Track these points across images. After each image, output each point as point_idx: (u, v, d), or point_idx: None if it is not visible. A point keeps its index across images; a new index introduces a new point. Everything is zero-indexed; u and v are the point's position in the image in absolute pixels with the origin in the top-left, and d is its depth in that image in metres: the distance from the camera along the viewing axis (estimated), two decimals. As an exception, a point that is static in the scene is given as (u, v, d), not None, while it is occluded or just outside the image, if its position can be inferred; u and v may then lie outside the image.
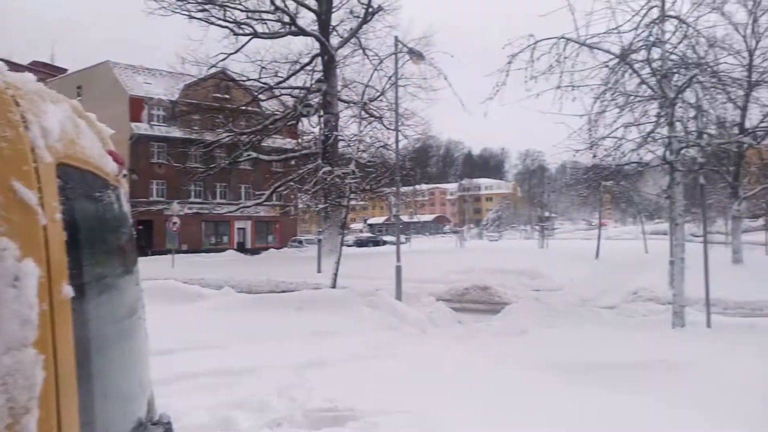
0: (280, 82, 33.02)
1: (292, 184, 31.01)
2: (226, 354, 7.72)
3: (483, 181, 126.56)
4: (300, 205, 34.96)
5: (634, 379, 6.17)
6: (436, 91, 30.60)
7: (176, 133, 40.96)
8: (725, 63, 16.11)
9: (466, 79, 15.70)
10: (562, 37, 10.05)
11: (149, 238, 41.36)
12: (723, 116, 10.83)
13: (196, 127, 35.95)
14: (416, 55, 14.60)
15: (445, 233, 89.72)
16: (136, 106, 42.89)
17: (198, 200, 45.70)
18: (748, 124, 21.43)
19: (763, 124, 21.10)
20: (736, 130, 20.67)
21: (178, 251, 34.39)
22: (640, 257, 28.58)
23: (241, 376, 6.60)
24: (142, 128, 42.61)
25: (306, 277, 19.94)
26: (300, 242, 48.04)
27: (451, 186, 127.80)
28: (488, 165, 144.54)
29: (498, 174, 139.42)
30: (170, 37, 36.04)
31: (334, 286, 13.43)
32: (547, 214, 52.69)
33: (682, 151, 9.69)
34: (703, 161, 10.30)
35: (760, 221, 40.26)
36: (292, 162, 34.35)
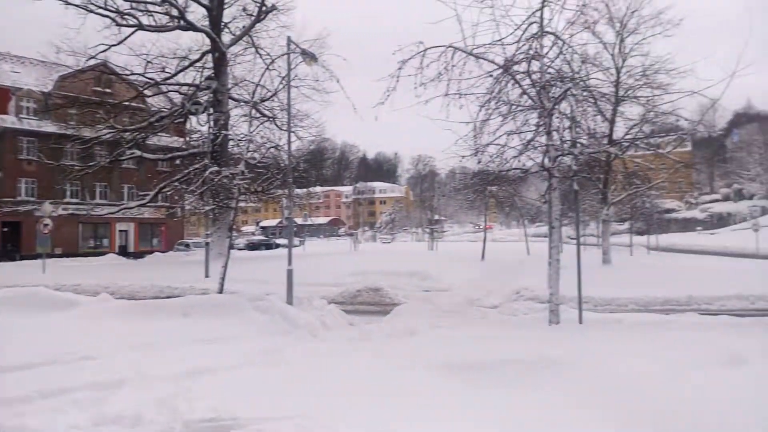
0: (168, 78, 31.47)
1: (177, 184, 29.61)
2: (99, 366, 7.16)
3: (377, 185, 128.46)
4: (187, 207, 33.50)
5: (519, 377, 6.44)
6: (329, 93, 30.67)
7: (49, 127, 37.72)
8: (596, 78, 17.56)
9: (358, 83, 15.77)
10: (450, 46, 10.39)
11: (17, 242, 37.84)
12: (594, 128, 11.68)
13: (72, 122, 33.29)
14: (309, 57, 14.45)
15: (339, 236, 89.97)
16: (2, 96, 38.99)
17: (74, 200, 42.36)
18: (616, 136, 23.46)
19: (628, 136, 23.18)
20: (605, 141, 22.58)
21: (51, 255, 31.72)
22: (522, 258, 30.24)
23: (115, 388, 6.15)
24: (8, 121, 38.77)
25: (193, 282, 19.10)
26: (187, 245, 46.13)
27: (346, 189, 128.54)
28: (382, 169, 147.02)
29: (391, 178, 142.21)
30: (44, 24, 33.10)
31: (221, 291, 12.94)
32: (437, 217, 54.48)
33: (559, 159, 10.37)
34: (577, 169, 11.06)
35: (626, 225, 44.23)
36: (179, 161, 32.81)
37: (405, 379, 6.53)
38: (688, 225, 68.07)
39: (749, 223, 39.95)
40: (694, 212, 72.76)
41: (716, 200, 75.38)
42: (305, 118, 31.97)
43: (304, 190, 38.37)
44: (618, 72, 22.87)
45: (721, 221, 67.35)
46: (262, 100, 29.34)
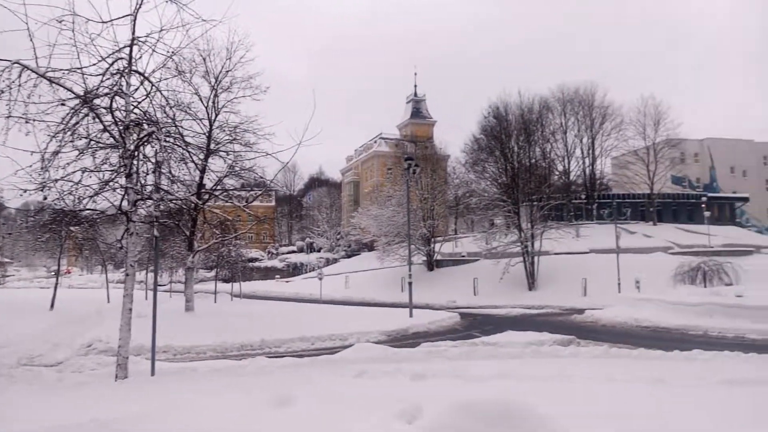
0: None
1: None
2: None
3: None
4: None
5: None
6: None
7: None
8: (189, 129, 17.80)
9: None
10: (17, 62, 8.96)
11: None
12: (181, 175, 11.69)
13: None
14: None
15: None
16: None
17: None
18: (208, 186, 24.13)
19: (218, 187, 24.12)
20: (195, 189, 22.99)
21: None
22: (101, 307, 27.79)
23: None
24: None
25: None
26: None
27: None
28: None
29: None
30: None
31: None
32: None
33: (139, 203, 9.91)
34: (158, 214, 10.79)
35: (213, 272, 45.63)
36: None
37: None
38: (269, 273, 74.60)
39: (316, 273, 46.29)
40: (274, 261, 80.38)
41: (293, 251, 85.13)
42: None
43: None
44: (211, 124, 23.79)
45: (296, 270, 76.11)
46: None
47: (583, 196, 60.54)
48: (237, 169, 23.40)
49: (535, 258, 40.45)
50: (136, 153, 9.70)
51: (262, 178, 24.07)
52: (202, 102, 23.67)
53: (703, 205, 54.79)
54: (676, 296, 24.24)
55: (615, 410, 6.37)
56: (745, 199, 68.62)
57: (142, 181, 9.83)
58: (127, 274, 9.66)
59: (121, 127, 9.67)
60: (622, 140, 60.28)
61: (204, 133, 23.52)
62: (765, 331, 17.77)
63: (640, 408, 6.63)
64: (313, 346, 16.99)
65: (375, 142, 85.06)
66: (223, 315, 25.01)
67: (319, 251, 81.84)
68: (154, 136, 9.68)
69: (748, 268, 30.67)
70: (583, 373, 9.62)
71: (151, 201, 9.89)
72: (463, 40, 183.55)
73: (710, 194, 64.56)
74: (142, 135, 9.64)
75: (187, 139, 14.34)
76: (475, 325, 23.55)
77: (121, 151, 9.65)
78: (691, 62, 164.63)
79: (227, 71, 23.54)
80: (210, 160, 23.44)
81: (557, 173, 60.27)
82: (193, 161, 20.30)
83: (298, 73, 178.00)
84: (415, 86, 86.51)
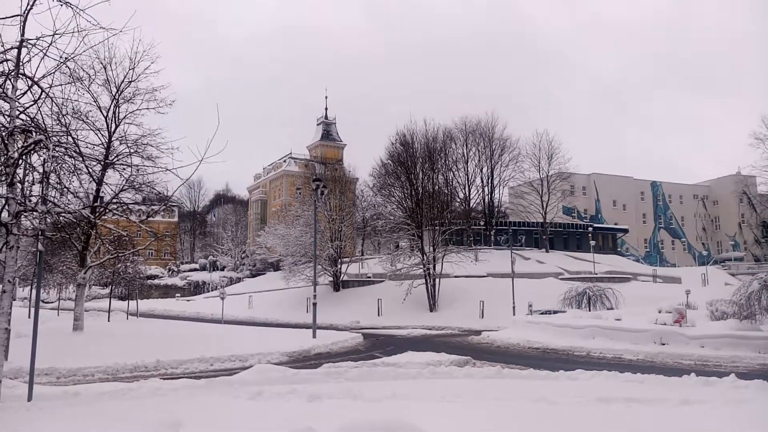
0: None
1: None
2: None
3: None
4: None
5: None
6: None
7: None
8: (83, 141, 16.82)
9: None
10: None
11: None
12: (73, 187, 11.07)
13: None
14: None
15: None
16: None
17: None
18: (106, 199, 22.83)
19: (114, 200, 22.88)
20: (90, 202, 21.71)
21: None
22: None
23: None
24: None
25: None
26: None
27: None
28: None
29: None
30: None
31: None
32: None
33: (22, 215, 9.29)
34: (45, 227, 10.14)
35: (109, 289, 42.99)
36: None
37: None
38: (169, 291, 71.32)
39: (218, 292, 44.86)
40: (175, 279, 76.98)
41: (195, 269, 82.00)
42: None
43: None
44: (110, 135, 22.62)
45: (197, 289, 73.31)
46: None
47: (482, 223, 63.26)
48: (136, 183, 22.34)
49: (437, 280, 41.60)
50: (20, 162, 9.11)
51: (160, 193, 23.13)
52: (101, 112, 22.52)
53: (589, 235, 58.93)
54: (564, 319, 25.83)
55: (494, 426, 6.74)
56: (625, 230, 74.71)
57: (27, 192, 9.21)
58: (3, 291, 8.97)
59: (4, 133, 9.05)
60: (519, 171, 64.01)
61: (102, 145, 22.35)
62: (639, 352, 19.34)
63: (517, 423, 7.06)
64: (212, 368, 16.49)
65: (284, 161, 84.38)
66: (116, 335, 23.68)
67: (222, 270, 79.40)
68: (42, 144, 9.14)
69: (627, 293, 33.32)
70: (474, 393, 10.05)
71: (36, 213, 9.28)
72: (374, 66, 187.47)
73: (596, 225, 69.69)
74: (28, 143, 9.07)
75: (83, 150, 13.57)
76: (378, 345, 23.80)
77: (3, 158, 9.02)
78: (583, 101, 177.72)
79: (130, 81, 22.54)
80: (109, 172, 22.25)
81: (459, 200, 62.75)
82: (88, 173, 19.23)
83: (205, 87, 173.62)
84: (326, 109, 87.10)
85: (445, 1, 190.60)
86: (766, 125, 38.57)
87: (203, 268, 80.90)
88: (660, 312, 23.03)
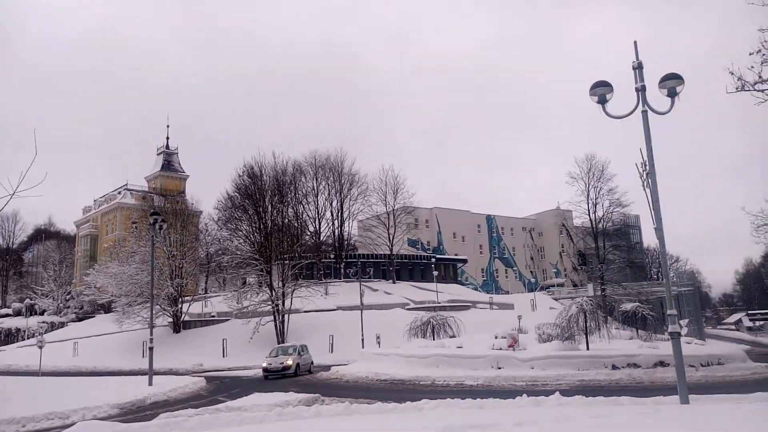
0: None
1: None
2: None
3: None
4: None
5: None
6: None
7: None
8: None
9: None
10: None
11: None
12: None
13: None
14: None
15: None
16: None
17: None
18: None
19: None
20: None
21: None
22: None
23: None
24: None
25: None
26: None
27: None
28: None
29: None
30: None
31: None
32: None
33: None
34: None
35: None
36: None
37: None
38: (-28, 342, 61.61)
39: (35, 340, 39.63)
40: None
41: (8, 315, 72.02)
42: None
43: None
44: None
45: (9, 337, 64.20)
46: None
47: (332, 256, 63.67)
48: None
49: (286, 316, 40.82)
50: None
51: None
52: None
53: (432, 266, 61.96)
54: (410, 349, 26.63)
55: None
56: (465, 261, 79.95)
57: None
58: None
59: None
60: (367, 205, 65.69)
61: None
62: (479, 377, 20.47)
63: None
64: (25, 429, 14.38)
65: (119, 193, 78.06)
66: None
67: (42, 314, 70.49)
68: None
69: (467, 320, 35.32)
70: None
71: None
72: (219, 97, 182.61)
73: (438, 256, 73.56)
74: None
75: None
76: (222, 389, 22.56)
77: None
78: (421, 138, 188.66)
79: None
80: None
81: (309, 233, 62.64)
82: None
83: (21, 109, 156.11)
84: (167, 138, 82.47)
85: (278, 35, 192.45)
86: (579, 166, 43.73)
87: (18, 313, 71.19)
88: (496, 338, 24.69)
